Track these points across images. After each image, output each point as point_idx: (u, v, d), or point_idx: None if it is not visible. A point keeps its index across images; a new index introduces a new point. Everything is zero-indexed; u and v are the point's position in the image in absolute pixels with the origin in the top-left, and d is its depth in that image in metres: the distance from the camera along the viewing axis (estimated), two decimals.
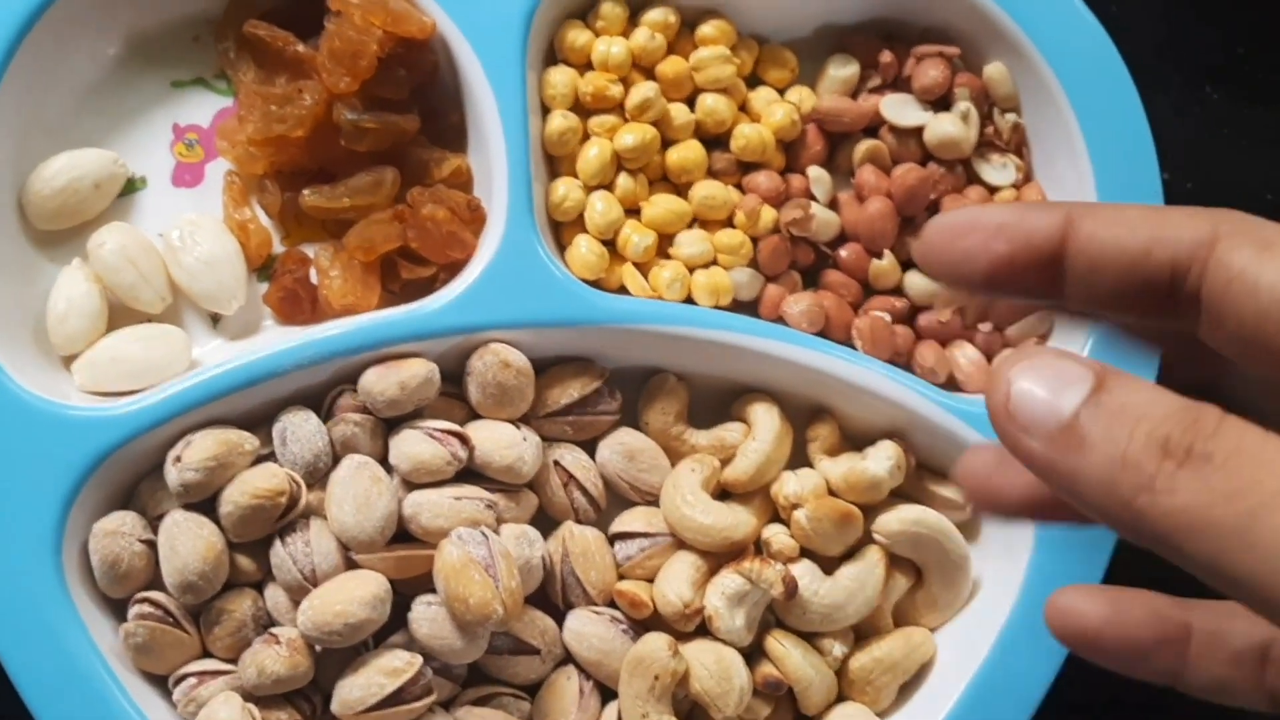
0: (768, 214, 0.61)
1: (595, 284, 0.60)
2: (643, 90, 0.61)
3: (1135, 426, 0.26)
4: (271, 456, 0.57)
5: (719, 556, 0.57)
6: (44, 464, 0.55)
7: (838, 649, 0.57)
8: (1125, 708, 0.67)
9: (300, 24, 0.61)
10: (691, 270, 0.61)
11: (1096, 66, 0.61)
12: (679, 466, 0.58)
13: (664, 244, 0.62)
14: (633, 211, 0.62)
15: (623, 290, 0.61)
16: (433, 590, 0.55)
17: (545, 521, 0.58)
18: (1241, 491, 0.25)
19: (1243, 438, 0.25)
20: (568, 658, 0.58)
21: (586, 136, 0.62)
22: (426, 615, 0.54)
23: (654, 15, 0.62)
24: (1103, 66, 0.61)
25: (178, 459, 0.55)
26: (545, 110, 0.62)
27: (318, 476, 0.56)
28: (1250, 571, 0.24)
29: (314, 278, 0.60)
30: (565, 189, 0.61)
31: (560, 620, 0.57)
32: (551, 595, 0.58)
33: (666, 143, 0.62)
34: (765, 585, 0.55)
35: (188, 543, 0.54)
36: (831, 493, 0.58)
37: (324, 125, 0.60)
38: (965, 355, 0.61)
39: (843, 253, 0.62)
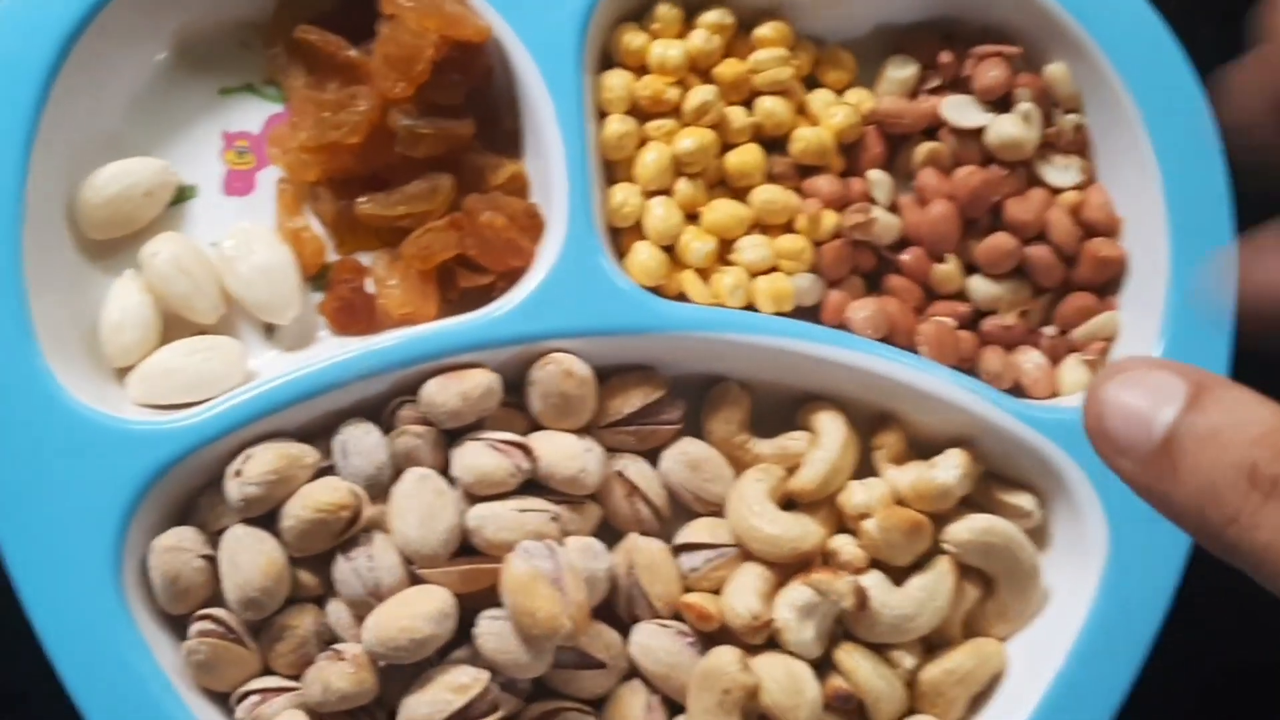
0: (829, 218, 0.60)
1: (655, 291, 0.59)
2: (700, 93, 0.60)
3: (1222, 454, 0.25)
4: (332, 470, 0.56)
5: (786, 568, 0.56)
6: (101, 479, 0.54)
7: (908, 660, 0.56)
8: (1198, 706, 0.66)
9: (351, 28, 0.60)
10: (753, 276, 0.60)
11: (1160, 66, 0.60)
12: (744, 476, 0.58)
13: (724, 249, 0.61)
14: (692, 217, 0.61)
15: (683, 297, 0.60)
16: (497, 604, 0.54)
17: (609, 533, 0.58)
18: None
19: None
20: (634, 672, 0.57)
21: (644, 141, 0.61)
22: (492, 630, 0.54)
23: (710, 17, 0.61)
24: (1166, 66, 0.60)
25: (238, 473, 0.54)
26: (601, 115, 0.61)
27: (379, 490, 0.56)
28: None
29: (370, 287, 0.60)
30: (623, 195, 0.60)
31: (626, 633, 0.57)
32: (616, 608, 0.57)
33: (725, 146, 0.61)
34: (835, 597, 0.54)
35: (249, 558, 0.53)
36: (899, 502, 0.57)
37: (378, 131, 0.59)
38: (1031, 360, 0.60)
39: (905, 257, 0.61)
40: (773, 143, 0.62)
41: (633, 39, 0.61)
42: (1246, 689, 0.67)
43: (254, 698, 0.54)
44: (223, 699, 0.55)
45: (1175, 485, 0.25)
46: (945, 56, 0.62)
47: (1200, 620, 0.62)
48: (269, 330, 0.60)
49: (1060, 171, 0.62)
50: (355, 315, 0.59)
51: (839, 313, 0.60)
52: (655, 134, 0.61)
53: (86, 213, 0.58)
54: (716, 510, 0.58)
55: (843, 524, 0.58)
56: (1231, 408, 0.25)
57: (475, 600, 0.54)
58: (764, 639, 0.56)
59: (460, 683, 0.53)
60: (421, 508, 0.54)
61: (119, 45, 0.59)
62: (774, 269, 0.60)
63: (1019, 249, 0.60)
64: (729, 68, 0.61)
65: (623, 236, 0.61)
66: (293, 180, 0.61)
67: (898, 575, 0.57)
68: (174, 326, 0.59)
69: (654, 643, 0.56)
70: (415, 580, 0.55)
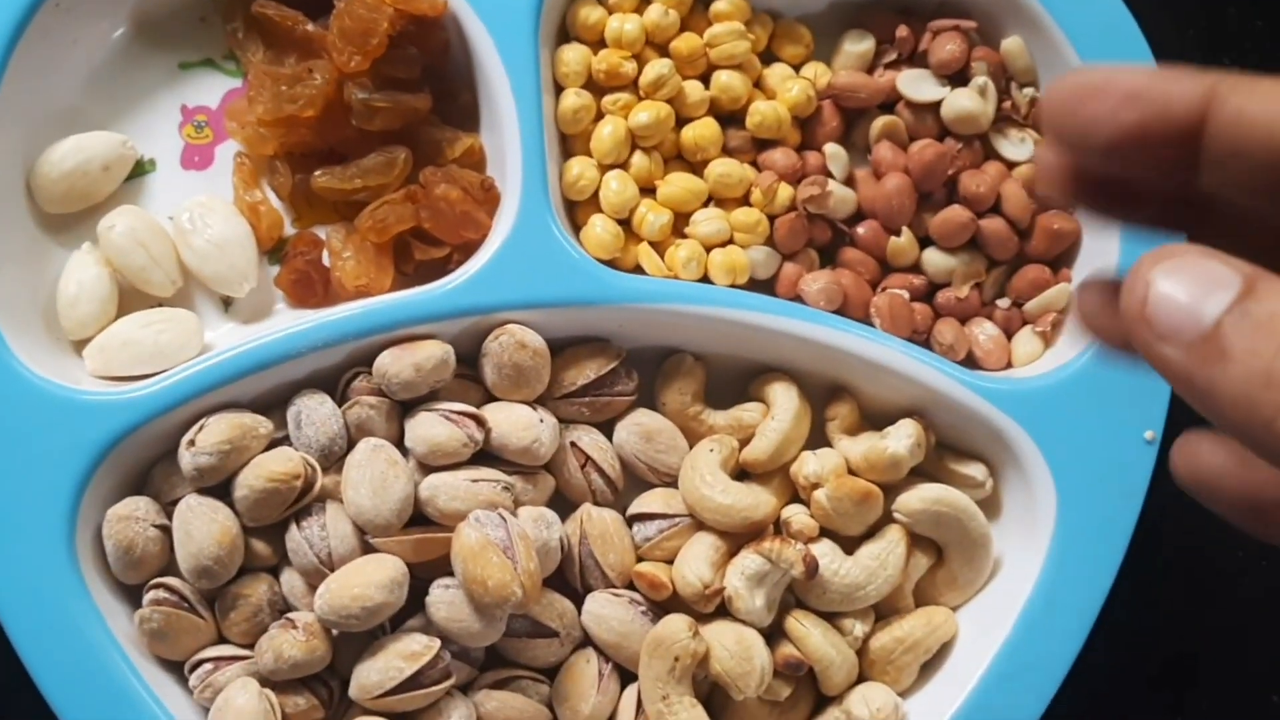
0: (784, 191, 0.61)
1: (611, 264, 0.59)
2: (657, 67, 0.60)
3: None
4: (286, 440, 0.56)
5: (738, 537, 0.57)
6: (56, 449, 0.54)
7: (859, 629, 0.57)
8: (1147, 683, 0.66)
9: (308, 3, 0.60)
10: (708, 249, 0.60)
11: (1114, 39, 0.60)
12: (697, 447, 0.58)
13: (680, 223, 0.61)
14: (648, 190, 0.61)
15: (638, 270, 0.60)
16: (450, 574, 0.54)
17: (562, 504, 0.58)
18: None
19: None
20: (587, 640, 0.57)
21: (600, 115, 0.61)
22: (444, 598, 0.54)
23: None
24: (1120, 39, 0.60)
25: (191, 443, 0.54)
26: (558, 89, 0.61)
27: (333, 460, 0.56)
28: None
29: (326, 260, 0.60)
30: (579, 168, 0.60)
31: (579, 603, 0.57)
32: (570, 578, 0.57)
33: (681, 120, 0.61)
34: (786, 565, 0.55)
35: (202, 527, 0.54)
36: (851, 472, 0.57)
37: (334, 105, 0.59)
38: (984, 332, 0.61)
39: (860, 230, 0.61)
40: (729, 117, 0.62)
41: (589, 13, 0.61)
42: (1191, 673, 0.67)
43: (207, 666, 0.55)
44: (177, 667, 0.56)
45: (1224, 371, 0.24)
46: (902, 31, 0.62)
47: (1153, 601, 0.63)
48: (226, 303, 0.61)
49: (1015, 145, 0.62)
50: (311, 288, 0.59)
51: (793, 285, 0.60)
52: (611, 108, 0.61)
53: (44, 186, 0.59)
54: (671, 480, 0.59)
55: (795, 494, 0.59)
56: None
57: (428, 569, 0.55)
58: (715, 607, 0.56)
59: (412, 650, 0.53)
60: (374, 477, 0.54)
61: (77, 20, 0.59)
62: (729, 242, 0.61)
63: (973, 222, 0.61)
64: (685, 42, 0.61)
65: (578, 210, 0.61)
66: (250, 154, 0.61)
67: (849, 544, 0.57)
68: (131, 299, 0.59)
69: (607, 611, 0.56)
70: (368, 549, 0.55)
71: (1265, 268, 0.27)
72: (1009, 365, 0.61)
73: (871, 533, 0.58)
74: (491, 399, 0.58)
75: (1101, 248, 0.60)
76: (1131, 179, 0.29)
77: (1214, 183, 0.27)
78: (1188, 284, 0.25)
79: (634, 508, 0.58)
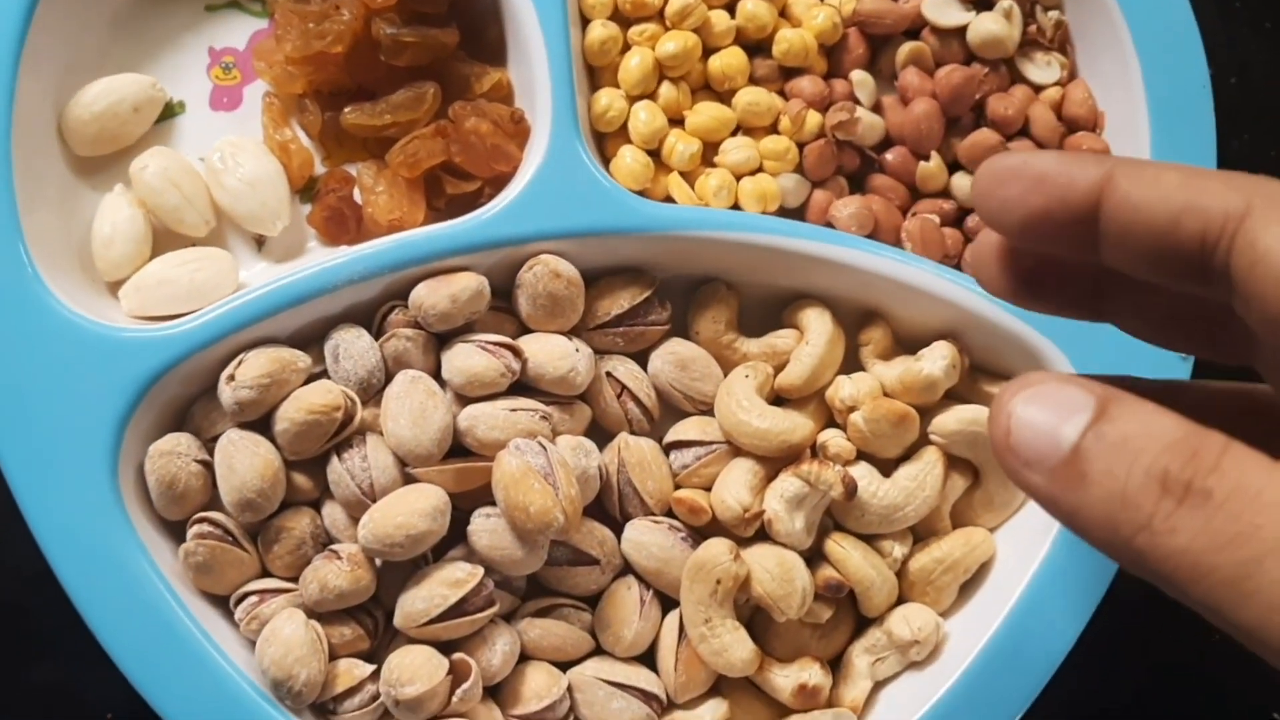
0: (812, 119, 0.61)
1: (641, 194, 0.59)
2: None
3: (1134, 461, 0.25)
4: (324, 374, 0.57)
5: (775, 462, 0.57)
6: (97, 387, 0.54)
7: (898, 550, 0.57)
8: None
9: None
10: (738, 178, 0.60)
11: None
12: (732, 373, 0.58)
13: (709, 152, 0.61)
14: (676, 120, 0.61)
15: (669, 199, 0.60)
16: (491, 503, 0.54)
17: (599, 433, 0.58)
18: (1241, 537, 0.24)
19: (1244, 474, 0.24)
20: (627, 568, 0.57)
21: (627, 46, 0.61)
22: (486, 527, 0.54)
23: None
24: None
25: (231, 378, 0.54)
26: (585, 21, 0.61)
27: (371, 393, 0.56)
28: (1250, 621, 0.24)
29: (358, 197, 0.60)
30: (608, 99, 0.60)
31: (618, 531, 0.57)
32: (609, 506, 0.58)
33: (708, 50, 0.61)
34: (824, 487, 0.55)
35: (244, 461, 0.54)
36: (887, 395, 0.57)
37: (362, 42, 0.59)
38: None
39: (889, 156, 0.61)
40: (755, 46, 0.62)
41: None
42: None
43: (252, 598, 0.55)
44: (223, 601, 0.56)
45: (1084, 495, 0.25)
46: None
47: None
48: (259, 242, 0.61)
49: (1042, 68, 0.62)
50: (344, 224, 0.60)
51: (824, 212, 0.61)
52: (638, 39, 0.61)
53: (75, 129, 0.59)
54: (706, 409, 0.59)
55: (831, 418, 0.59)
56: (1140, 417, 0.25)
57: (468, 499, 0.55)
58: (755, 531, 0.56)
59: (456, 578, 0.54)
60: (413, 409, 0.55)
61: None
62: (759, 170, 0.61)
63: (1002, 145, 0.61)
64: None
65: (608, 141, 0.61)
66: (279, 93, 0.61)
67: (886, 467, 0.58)
68: (165, 240, 0.59)
69: (646, 538, 0.56)
70: (409, 480, 0.55)
71: (1173, 334, 0.32)
72: None
73: (908, 455, 0.58)
74: (526, 330, 0.58)
75: None
76: (1050, 256, 0.31)
77: (1112, 259, 0.29)
78: (1046, 410, 0.26)
79: (670, 435, 0.59)
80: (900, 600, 0.58)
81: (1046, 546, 0.56)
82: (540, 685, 0.55)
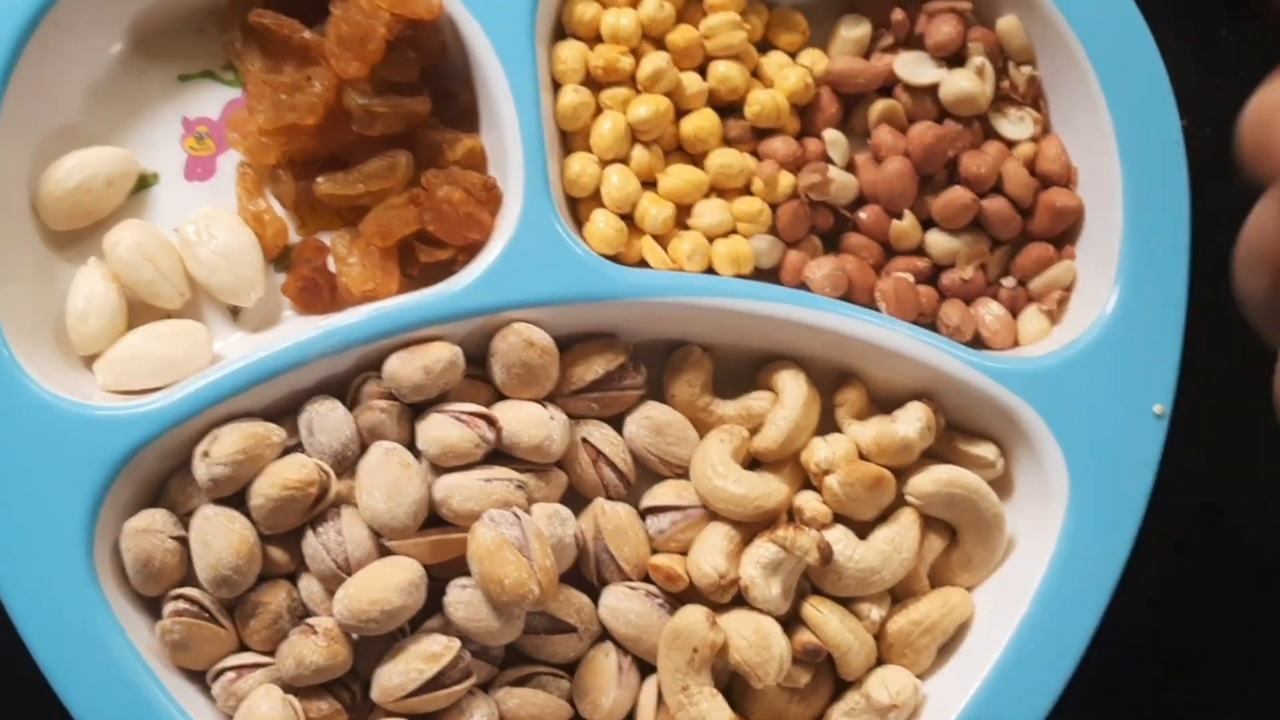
0: (785, 179, 0.61)
1: (615, 258, 0.59)
2: (654, 61, 0.60)
3: None
4: (299, 447, 0.57)
5: (752, 526, 0.57)
6: (72, 465, 0.54)
7: (875, 613, 0.57)
8: (1160, 663, 0.67)
9: (305, 10, 0.60)
10: (711, 240, 0.60)
11: (1110, 14, 0.60)
12: (708, 438, 0.58)
13: (682, 215, 0.61)
14: (649, 184, 0.61)
15: (642, 264, 0.60)
16: (467, 574, 0.54)
17: (575, 499, 0.58)
18: None
19: None
20: (605, 634, 0.57)
21: (599, 110, 0.61)
22: (462, 598, 0.54)
23: None
24: (1117, 14, 0.60)
25: (205, 454, 0.55)
26: (556, 86, 0.61)
27: (346, 465, 0.56)
28: None
29: (332, 266, 0.60)
30: (580, 164, 0.60)
31: (595, 597, 0.57)
32: (585, 573, 0.58)
33: (680, 113, 0.62)
34: (800, 552, 0.55)
35: (220, 537, 0.54)
36: (862, 457, 0.58)
37: (334, 112, 0.59)
38: (990, 312, 0.61)
39: (862, 215, 0.61)
40: (728, 107, 0.62)
41: (585, 9, 0.61)
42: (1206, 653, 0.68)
43: (230, 674, 0.55)
44: (199, 676, 0.56)
45: None
46: (898, 15, 0.62)
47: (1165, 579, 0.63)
48: (234, 312, 0.61)
49: (1015, 124, 0.62)
50: (318, 294, 0.60)
51: (798, 273, 0.61)
52: (610, 103, 0.61)
53: (49, 204, 0.59)
54: (683, 472, 0.59)
55: (807, 481, 0.59)
56: None
57: (445, 570, 0.55)
58: (731, 597, 0.56)
59: (432, 651, 0.54)
60: (388, 481, 0.55)
61: (75, 37, 0.59)
62: (732, 232, 0.61)
63: (975, 203, 0.61)
64: (681, 34, 0.61)
65: (581, 206, 0.61)
66: (253, 163, 0.61)
67: (862, 529, 0.58)
68: (139, 312, 0.59)
69: (624, 605, 0.56)
70: (385, 552, 0.55)
71: None
72: (1015, 344, 0.61)
73: (884, 517, 0.58)
74: (501, 398, 0.58)
75: (1106, 222, 0.60)
76: None
77: None
78: None
79: (647, 500, 0.59)
80: (879, 662, 0.58)
81: (1026, 606, 0.56)
82: None
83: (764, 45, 0.64)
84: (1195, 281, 0.59)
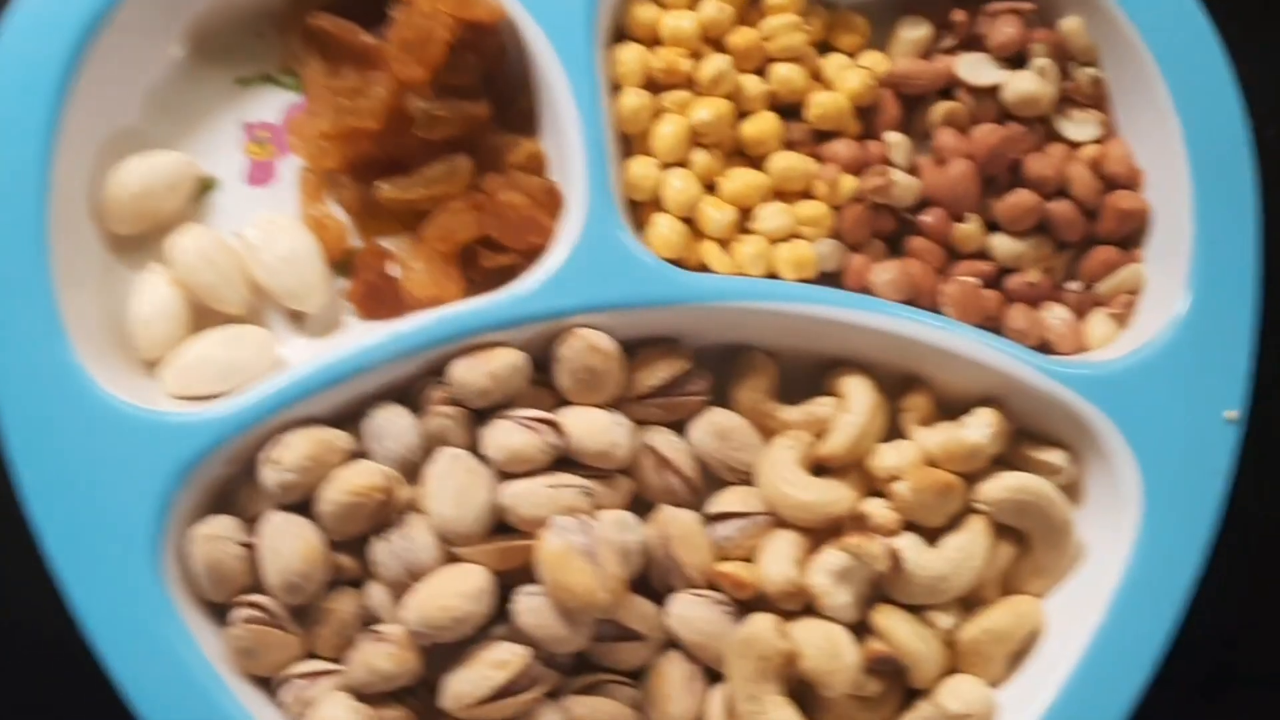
0: (847, 182, 0.60)
1: (676, 262, 0.59)
2: (714, 63, 0.60)
3: None
4: (364, 453, 0.57)
5: (819, 533, 0.57)
6: (139, 472, 0.54)
7: (945, 621, 0.56)
8: (1239, 670, 0.66)
9: (364, 14, 0.60)
10: (773, 244, 0.60)
11: (1174, 13, 0.60)
12: (773, 444, 0.58)
13: (743, 219, 0.61)
14: (710, 187, 0.61)
15: (704, 268, 0.60)
16: (534, 581, 0.54)
17: (641, 506, 0.58)
18: None
19: None
20: (672, 642, 0.57)
21: (659, 113, 0.61)
22: (530, 606, 0.54)
23: None
24: (1182, 14, 0.60)
25: (273, 461, 0.54)
26: (616, 89, 0.61)
27: (411, 471, 0.56)
28: None
29: (394, 271, 0.60)
30: (641, 168, 0.60)
31: (662, 604, 0.57)
32: (652, 580, 0.57)
33: (741, 115, 0.61)
34: (870, 560, 0.55)
35: (288, 543, 0.54)
36: (930, 463, 0.57)
37: (395, 116, 0.59)
38: (1056, 316, 0.60)
39: (926, 218, 0.61)
40: (788, 109, 0.62)
41: (644, 11, 0.61)
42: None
43: (298, 681, 0.55)
44: (267, 683, 0.56)
45: None
46: (958, 15, 0.62)
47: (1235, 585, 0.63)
48: (297, 318, 0.61)
49: (1078, 126, 0.62)
50: (381, 300, 0.60)
51: (861, 277, 0.60)
52: (671, 106, 0.61)
53: (112, 208, 0.59)
54: (747, 478, 0.58)
55: (874, 487, 0.59)
56: None
57: (512, 577, 0.55)
58: (800, 605, 0.56)
59: (501, 659, 0.54)
60: (455, 487, 0.55)
61: (135, 42, 0.59)
62: (794, 236, 0.60)
63: (1040, 205, 0.60)
64: (741, 36, 0.61)
65: (642, 210, 0.61)
66: (314, 168, 0.61)
67: (931, 536, 0.57)
68: (203, 317, 0.59)
69: (691, 612, 0.56)
70: (452, 559, 0.55)
71: None
72: (1083, 349, 0.60)
73: (953, 523, 0.57)
74: (566, 404, 0.58)
75: (1173, 225, 0.59)
76: None
77: None
78: None
79: (712, 507, 0.58)
80: (950, 671, 0.57)
81: (1100, 614, 0.56)
82: None
83: (824, 47, 0.63)
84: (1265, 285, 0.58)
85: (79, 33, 0.57)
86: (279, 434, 0.55)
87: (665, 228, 0.59)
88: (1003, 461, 0.58)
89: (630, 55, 0.60)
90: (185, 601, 0.55)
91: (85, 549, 0.54)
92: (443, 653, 0.55)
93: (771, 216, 0.60)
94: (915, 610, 0.57)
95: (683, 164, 0.61)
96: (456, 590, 0.53)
